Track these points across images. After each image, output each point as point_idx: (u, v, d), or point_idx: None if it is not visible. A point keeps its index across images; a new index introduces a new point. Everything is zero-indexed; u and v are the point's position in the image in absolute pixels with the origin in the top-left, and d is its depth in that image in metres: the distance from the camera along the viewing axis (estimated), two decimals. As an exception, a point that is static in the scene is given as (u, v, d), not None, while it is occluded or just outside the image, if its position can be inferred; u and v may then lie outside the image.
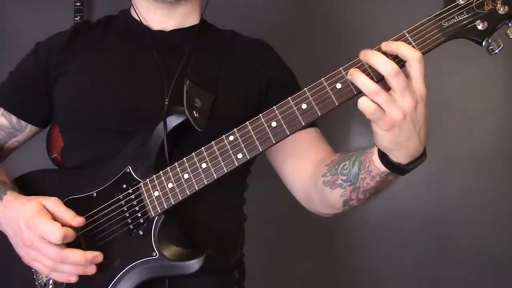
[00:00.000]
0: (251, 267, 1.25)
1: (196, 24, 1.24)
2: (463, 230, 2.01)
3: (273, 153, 1.19)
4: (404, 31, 0.85)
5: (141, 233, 1.00)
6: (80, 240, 1.02)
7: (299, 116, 0.89)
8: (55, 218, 0.98)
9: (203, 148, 0.97)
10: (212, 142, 0.96)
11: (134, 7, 1.24)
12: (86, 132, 1.13)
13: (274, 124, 0.91)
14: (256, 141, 0.92)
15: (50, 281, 1.05)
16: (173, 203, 0.98)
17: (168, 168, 0.99)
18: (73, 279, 0.98)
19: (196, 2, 1.25)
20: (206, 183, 0.96)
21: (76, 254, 0.96)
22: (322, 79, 0.88)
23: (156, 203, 0.99)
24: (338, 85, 0.87)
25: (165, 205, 0.98)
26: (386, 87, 0.82)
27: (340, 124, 2.06)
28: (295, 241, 2.14)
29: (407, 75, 0.82)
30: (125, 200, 1.02)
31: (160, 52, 1.16)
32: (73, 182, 1.09)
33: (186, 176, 0.97)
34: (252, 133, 0.93)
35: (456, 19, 0.85)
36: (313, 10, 2.15)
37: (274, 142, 0.91)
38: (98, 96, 1.12)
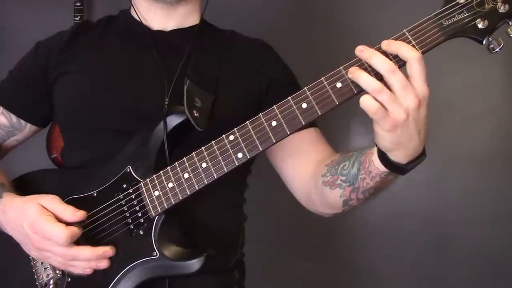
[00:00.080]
0: (251, 267, 1.25)
1: (196, 24, 1.24)
2: (463, 230, 2.01)
3: (273, 153, 1.19)
4: (404, 30, 0.85)
5: (141, 232, 1.00)
6: (81, 240, 1.01)
7: (299, 115, 0.89)
8: (56, 217, 0.98)
9: (203, 147, 0.96)
10: (212, 141, 0.96)
11: (134, 7, 1.24)
12: (86, 132, 1.13)
13: (274, 123, 0.91)
14: (256, 140, 0.92)
15: (51, 281, 1.05)
16: (173, 202, 0.98)
17: (168, 167, 0.99)
18: (89, 271, 1.00)
19: (196, 2, 1.25)
20: (206, 182, 0.96)
21: (86, 252, 0.97)
22: (322, 78, 0.88)
23: (156, 202, 0.99)
24: (338, 84, 0.86)
25: (165, 204, 0.98)
26: (387, 88, 0.82)
27: (340, 124, 2.06)
28: (295, 241, 2.14)
29: (407, 76, 0.82)
30: (125, 200, 1.02)
31: (160, 52, 1.16)
32: (73, 182, 1.09)
33: (186, 175, 0.97)
34: (252, 132, 0.93)
35: (456, 18, 0.85)
36: (313, 10, 2.15)
37: (274, 141, 0.91)
38: (98, 96, 1.12)
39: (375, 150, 0.91)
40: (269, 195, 1.84)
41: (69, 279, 1.04)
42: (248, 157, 0.93)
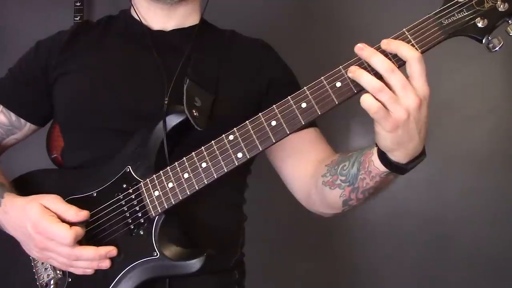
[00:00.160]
0: (251, 267, 1.24)
1: (196, 24, 1.24)
2: (463, 230, 2.02)
3: (273, 153, 1.19)
4: (404, 29, 0.85)
5: (141, 233, 1.00)
6: (82, 240, 1.01)
7: (299, 115, 0.89)
8: (59, 217, 0.98)
9: (203, 147, 0.96)
10: (212, 141, 0.96)
11: (134, 7, 1.24)
12: (86, 132, 1.13)
13: (274, 123, 0.91)
14: (256, 140, 0.92)
15: (51, 281, 1.05)
16: (173, 202, 0.98)
17: (168, 167, 0.99)
18: (90, 271, 1.00)
19: (196, 2, 1.25)
20: (206, 182, 0.96)
21: (89, 252, 0.97)
22: (322, 77, 0.88)
23: (156, 202, 0.99)
24: (338, 84, 0.86)
25: (165, 204, 0.98)
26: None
27: (340, 124, 2.06)
28: (295, 241, 2.14)
29: (407, 76, 0.82)
30: (125, 200, 1.02)
31: (160, 52, 1.16)
32: (73, 182, 1.09)
33: (186, 175, 0.97)
34: (252, 132, 0.92)
35: (456, 17, 0.85)
36: (313, 10, 2.15)
37: (274, 141, 0.91)
38: (98, 96, 1.12)
39: (375, 150, 0.91)
40: (269, 195, 1.84)
41: (70, 279, 1.04)
42: (248, 157, 0.93)
